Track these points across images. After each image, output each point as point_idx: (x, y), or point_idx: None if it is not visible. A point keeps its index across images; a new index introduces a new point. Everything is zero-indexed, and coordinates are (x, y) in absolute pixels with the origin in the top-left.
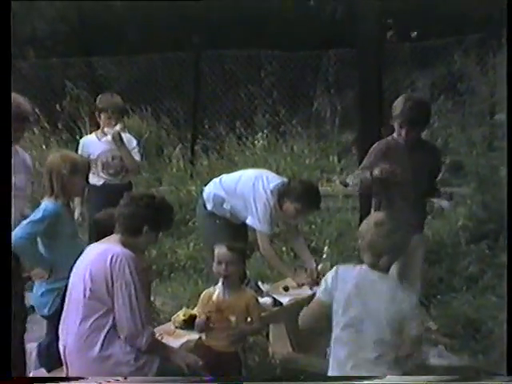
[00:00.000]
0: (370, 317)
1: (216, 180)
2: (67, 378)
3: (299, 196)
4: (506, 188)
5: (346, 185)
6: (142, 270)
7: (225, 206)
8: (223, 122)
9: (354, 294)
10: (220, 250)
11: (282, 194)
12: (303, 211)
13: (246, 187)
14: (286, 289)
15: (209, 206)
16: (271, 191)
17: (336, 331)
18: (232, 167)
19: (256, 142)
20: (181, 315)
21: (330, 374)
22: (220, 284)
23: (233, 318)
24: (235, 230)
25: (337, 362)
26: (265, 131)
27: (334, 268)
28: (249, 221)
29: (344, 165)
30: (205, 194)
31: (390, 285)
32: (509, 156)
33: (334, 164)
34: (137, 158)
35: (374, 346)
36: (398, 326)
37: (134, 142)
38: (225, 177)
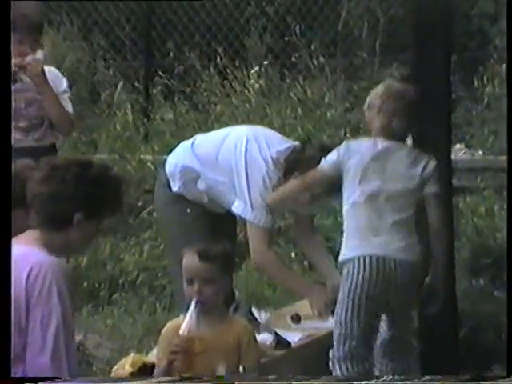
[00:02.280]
0: (388, 191)
1: (186, 144)
2: (67, 379)
3: None
4: (506, 188)
5: None
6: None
7: (199, 185)
8: (197, 47)
9: (372, 166)
10: (189, 260)
11: (290, 165)
12: (323, 193)
13: (232, 154)
14: (297, 319)
15: (174, 186)
16: (273, 160)
17: (348, 205)
18: (211, 123)
19: (249, 81)
20: (127, 365)
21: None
22: (192, 311)
23: (214, 366)
24: (216, 225)
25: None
26: (264, 63)
27: (344, 142)
28: (236, 208)
29: None
30: (168, 167)
31: (407, 151)
32: (509, 156)
33: None
34: (68, 107)
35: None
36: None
37: (65, 82)
38: (199, 138)
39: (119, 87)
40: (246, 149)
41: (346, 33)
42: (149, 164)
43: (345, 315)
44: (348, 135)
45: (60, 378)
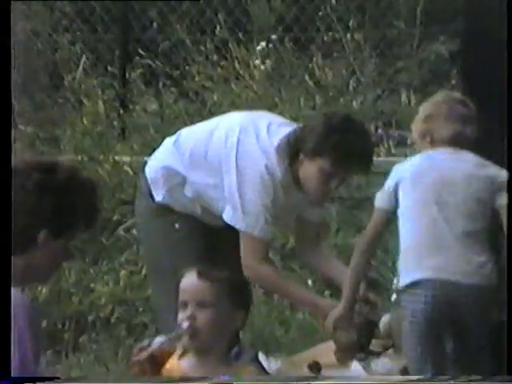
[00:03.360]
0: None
1: (169, 141)
2: (67, 379)
3: (327, 142)
4: (507, 189)
5: None
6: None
7: (186, 191)
8: (186, 17)
9: (435, 181)
10: (187, 281)
11: (294, 148)
12: (337, 175)
13: (222, 148)
14: (317, 368)
15: (157, 195)
16: (277, 150)
17: (407, 240)
18: (206, 116)
19: (254, 61)
20: None
21: None
22: (181, 348)
23: None
24: (213, 243)
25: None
26: (272, 38)
27: (393, 169)
28: (225, 215)
29: None
30: (149, 171)
31: (476, 160)
32: (509, 157)
33: (410, 109)
34: None
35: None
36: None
37: None
38: (184, 133)
39: (87, 68)
40: (239, 139)
41: None
42: (126, 167)
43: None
44: (380, 130)
45: (60, 378)
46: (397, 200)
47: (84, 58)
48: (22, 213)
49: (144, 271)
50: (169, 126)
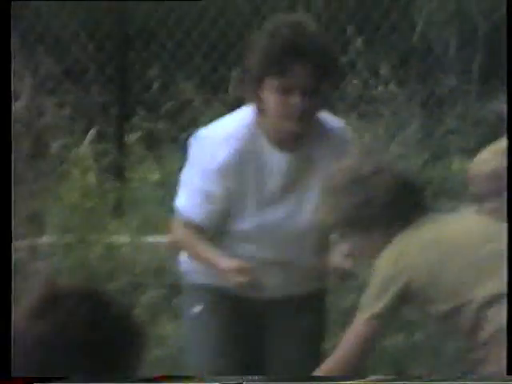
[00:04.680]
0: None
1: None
2: (67, 379)
3: (259, 54)
4: (506, 189)
5: None
6: None
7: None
8: (195, 73)
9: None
10: None
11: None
12: (289, 86)
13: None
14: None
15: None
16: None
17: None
18: None
19: None
20: None
21: None
22: None
23: None
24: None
25: None
26: None
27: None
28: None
29: None
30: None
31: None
32: (509, 158)
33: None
34: None
35: None
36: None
37: None
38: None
39: (78, 133)
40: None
41: (424, 47)
42: (122, 251)
43: None
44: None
45: (61, 378)
46: None
47: (74, 122)
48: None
49: None
50: (173, 198)
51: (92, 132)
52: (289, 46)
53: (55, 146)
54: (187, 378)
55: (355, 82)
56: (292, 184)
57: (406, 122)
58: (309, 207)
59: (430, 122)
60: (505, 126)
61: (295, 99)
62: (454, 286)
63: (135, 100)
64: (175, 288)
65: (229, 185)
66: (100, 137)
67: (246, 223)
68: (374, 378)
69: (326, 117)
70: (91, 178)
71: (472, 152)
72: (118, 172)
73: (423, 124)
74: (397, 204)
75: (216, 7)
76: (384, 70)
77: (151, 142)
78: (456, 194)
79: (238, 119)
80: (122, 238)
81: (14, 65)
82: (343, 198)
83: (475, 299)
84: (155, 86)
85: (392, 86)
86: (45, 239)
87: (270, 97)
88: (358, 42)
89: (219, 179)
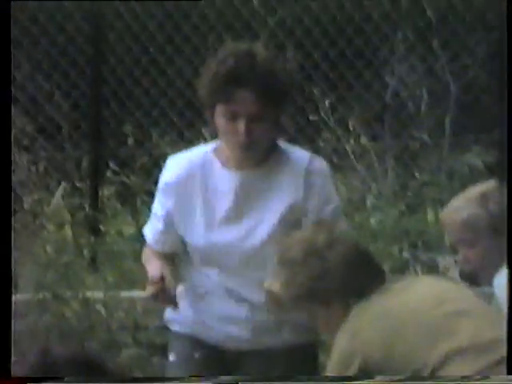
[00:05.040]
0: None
1: None
2: (67, 379)
3: (206, 83)
4: (506, 190)
5: None
6: None
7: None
8: (174, 126)
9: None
10: None
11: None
12: (236, 110)
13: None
14: None
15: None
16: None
17: None
18: None
19: None
20: None
21: None
22: None
23: None
24: None
25: None
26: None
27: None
28: None
29: None
30: None
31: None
32: (509, 158)
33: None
34: None
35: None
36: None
37: None
38: None
39: (52, 188)
40: None
41: (397, 105)
42: (98, 306)
43: None
44: (405, 252)
45: (58, 378)
46: None
47: (48, 177)
48: None
49: None
50: None
51: (62, 186)
52: (233, 73)
53: (28, 201)
54: (183, 378)
55: (327, 136)
56: (245, 204)
57: (380, 175)
58: (265, 228)
59: (405, 175)
60: (477, 177)
61: (240, 124)
62: (409, 354)
63: (110, 154)
64: (152, 347)
65: (170, 204)
66: (74, 191)
67: (195, 243)
68: (380, 377)
69: (295, 149)
70: (66, 232)
71: (446, 203)
72: (93, 226)
73: (398, 176)
74: (352, 275)
75: (192, 68)
76: (357, 125)
77: (126, 195)
78: (433, 245)
79: (203, 147)
80: (98, 294)
81: None
82: (299, 270)
83: (429, 362)
84: (129, 140)
85: (364, 140)
86: (19, 297)
87: (220, 122)
88: (331, 99)
89: (162, 199)
